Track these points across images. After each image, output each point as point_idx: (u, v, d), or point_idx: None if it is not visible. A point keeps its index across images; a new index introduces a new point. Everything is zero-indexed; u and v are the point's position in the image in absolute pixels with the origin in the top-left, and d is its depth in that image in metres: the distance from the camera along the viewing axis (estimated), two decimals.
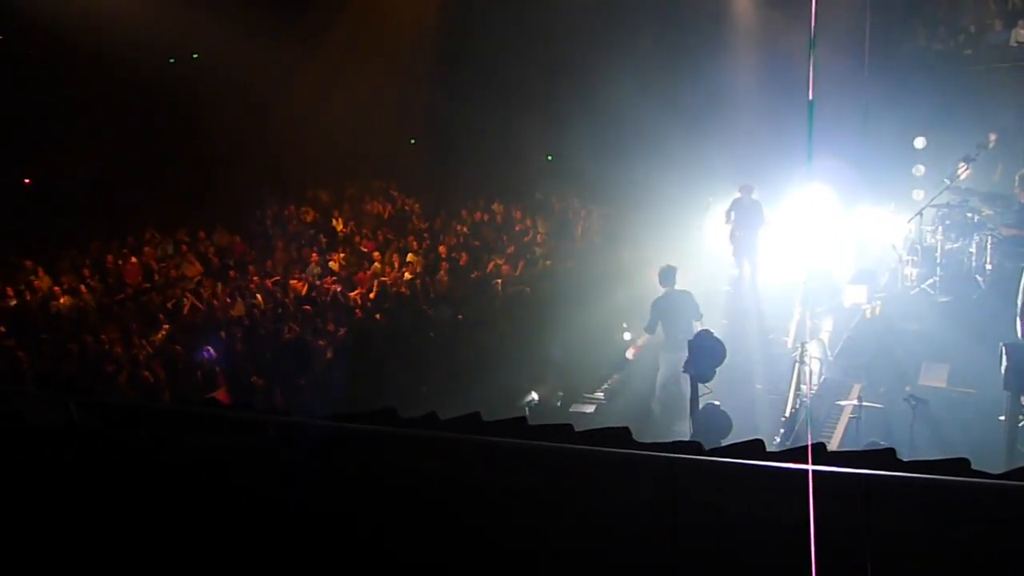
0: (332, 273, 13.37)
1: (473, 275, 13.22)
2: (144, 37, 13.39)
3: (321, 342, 10.62)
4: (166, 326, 10.60)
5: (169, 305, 11.32)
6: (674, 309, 9.09)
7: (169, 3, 13.68)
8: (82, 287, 11.81)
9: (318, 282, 12.81)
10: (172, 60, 15.38)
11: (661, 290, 9.17)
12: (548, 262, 13.93)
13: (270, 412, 4.15)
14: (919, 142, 13.11)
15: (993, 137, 12.35)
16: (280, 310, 11.44)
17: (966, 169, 10.86)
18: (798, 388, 8.60)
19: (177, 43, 14.74)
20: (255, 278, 12.70)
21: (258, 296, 11.89)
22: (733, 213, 11.66)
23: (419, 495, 3.04)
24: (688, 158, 12.91)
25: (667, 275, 9.16)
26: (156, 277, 12.70)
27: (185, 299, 11.44)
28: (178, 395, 8.84)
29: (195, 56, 15.43)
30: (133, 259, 13.08)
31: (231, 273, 13.01)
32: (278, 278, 12.87)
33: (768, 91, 13.40)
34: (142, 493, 3.38)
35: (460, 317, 11.92)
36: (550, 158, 17.51)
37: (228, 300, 11.76)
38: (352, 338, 11.00)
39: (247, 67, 14.36)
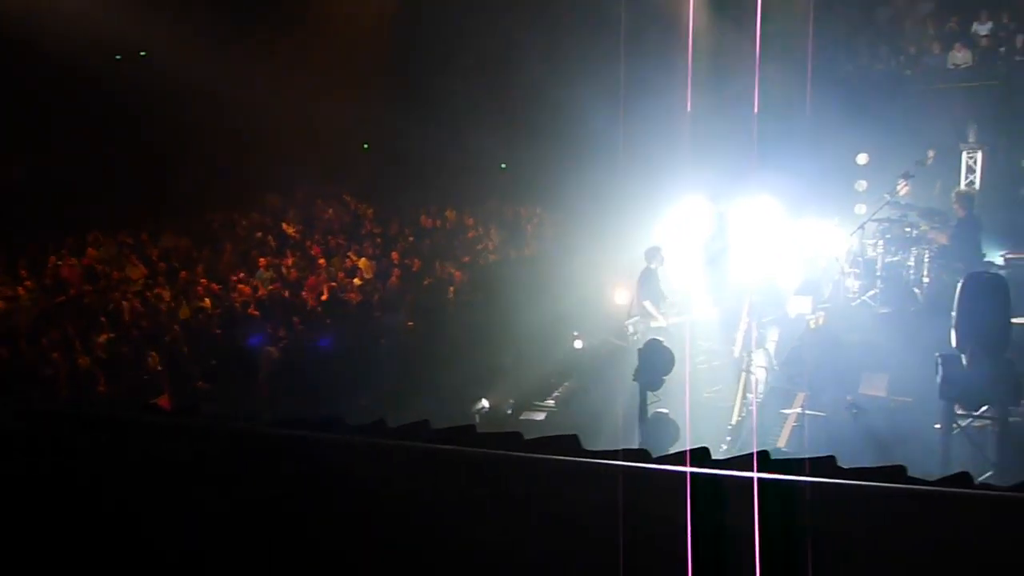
0: (281, 277, 13.18)
1: (425, 282, 13.17)
2: (88, 33, 13.02)
3: (268, 347, 10.46)
4: (108, 332, 10.31)
5: (110, 308, 11.01)
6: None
7: (119, 2, 13.34)
8: (19, 289, 11.41)
9: (267, 287, 12.60)
10: (118, 57, 15.01)
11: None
12: (500, 269, 13.95)
13: (214, 418, 4.06)
14: (861, 158, 13.48)
15: (931, 154, 12.78)
16: (227, 314, 11.22)
17: (905, 185, 11.20)
18: (744, 396, 8.77)
19: (125, 40, 14.37)
20: (202, 281, 12.43)
21: (205, 300, 11.65)
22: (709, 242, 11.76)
23: (365, 504, 3.01)
24: (640, 166, 13.06)
25: (648, 253, 10.33)
26: (98, 279, 12.34)
27: (125, 302, 11.13)
28: (119, 401, 8.60)
29: (142, 54, 15.08)
30: (73, 260, 12.69)
31: (182, 274, 12.69)
32: (223, 284, 12.62)
33: (715, 104, 13.63)
34: (78, 503, 3.27)
35: (410, 324, 11.86)
36: (504, 166, 17.56)
37: (173, 304, 11.50)
38: (300, 344, 10.86)
39: (198, 67, 14.07)
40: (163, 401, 8.80)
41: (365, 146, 18.42)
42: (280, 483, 3.16)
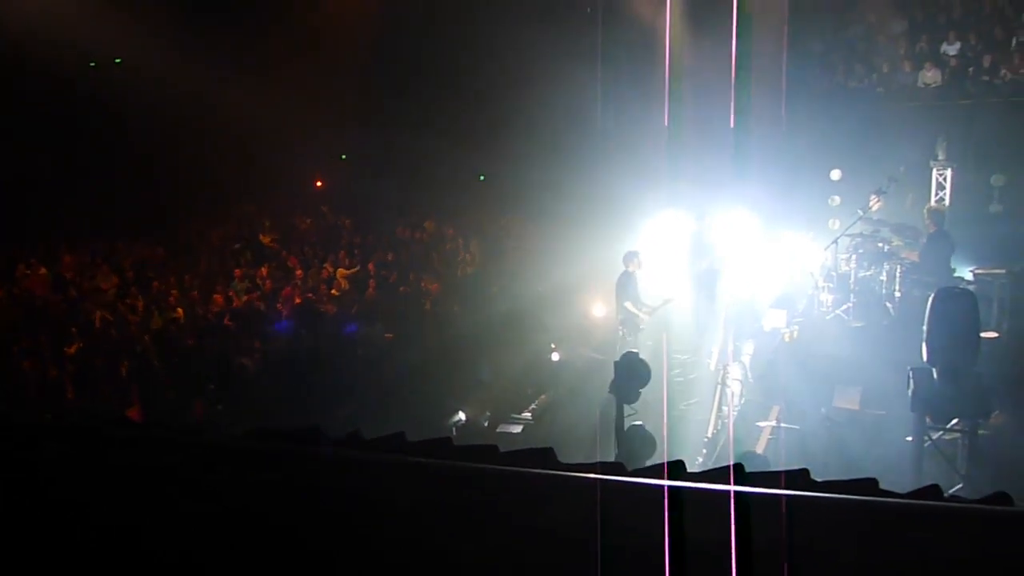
0: (257, 287, 13.06)
1: (400, 289, 13.11)
2: (63, 39, 12.88)
3: (244, 358, 10.34)
4: (78, 342, 10.14)
5: (81, 318, 10.84)
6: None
7: (95, 7, 13.21)
8: None
9: (242, 297, 12.48)
10: (93, 63, 14.87)
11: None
12: (478, 281, 13.94)
13: (187, 431, 4.01)
14: (835, 174, 13.65)
15: (903, 171, 12.98)
16: (202, 324, 11.09)
17: (878, 201, 11.37)
18: (720, 409, 8.81)
19: (100, 47, 14.25)
20: (174, 291, 12.29)
21: (179, 310, 11.51)
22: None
23: (340, 516, 2.98)
24: (618, 180, 13.13)
25: (626, 257, 10.49)
26: (69, 289, 12.15)
27: (96, 312, 10.97)
28: (89, 412, 8.46)
29: (117, 61, 14.95)
30: (43, 269, 12.49)
31: (155, 284, 12.53)
32: (199, 292, 12.48)
33: (692, 119, 13.75)
34: (47, 516, 3.21)
35: (388, 336, 11.79)
36: (483, 178, 17.58)
37: (145, 314, 11.35)
38: (276, 354, 10.76)
39: (175, 76, 13.97)
40: (133, 413, 8.67)
41: (343, 156, 18.36)
42: (255, 495, 3.12)
